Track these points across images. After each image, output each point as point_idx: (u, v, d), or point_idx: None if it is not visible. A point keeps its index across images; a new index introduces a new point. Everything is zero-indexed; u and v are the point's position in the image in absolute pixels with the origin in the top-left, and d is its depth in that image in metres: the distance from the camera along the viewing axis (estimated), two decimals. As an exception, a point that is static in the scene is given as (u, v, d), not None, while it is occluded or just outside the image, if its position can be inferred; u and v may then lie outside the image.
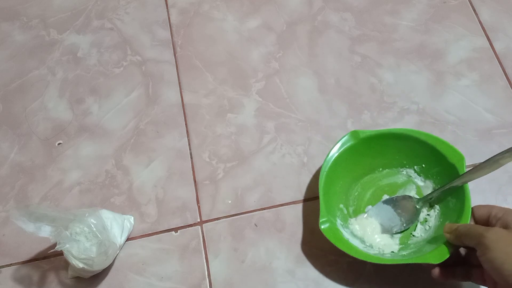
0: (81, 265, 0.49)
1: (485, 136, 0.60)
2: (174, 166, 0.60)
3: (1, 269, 0.55)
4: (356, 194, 0.56)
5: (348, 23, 0.69)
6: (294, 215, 0.56)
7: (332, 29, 0.69)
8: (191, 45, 0.68)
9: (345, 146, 0.54)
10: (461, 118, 0.62)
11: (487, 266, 0.42)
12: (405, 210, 0.54)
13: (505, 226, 0.43)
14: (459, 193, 0.50)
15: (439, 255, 0.47)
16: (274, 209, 0.57)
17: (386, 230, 0.54)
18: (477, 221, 0.48)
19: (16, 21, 0.71)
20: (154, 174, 0.59)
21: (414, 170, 0.56)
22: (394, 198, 0.55)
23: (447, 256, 0.46)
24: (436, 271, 0.48)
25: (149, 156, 0.61)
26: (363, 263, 0.53)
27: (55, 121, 0.63)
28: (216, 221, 0.57)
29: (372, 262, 0.49)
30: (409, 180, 0.56)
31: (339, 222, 0.53)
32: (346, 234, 0.52)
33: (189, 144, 0.61)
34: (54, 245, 0.48)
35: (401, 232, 0.54)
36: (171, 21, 0.70)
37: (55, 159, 0.61)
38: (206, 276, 0.54)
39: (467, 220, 0.48)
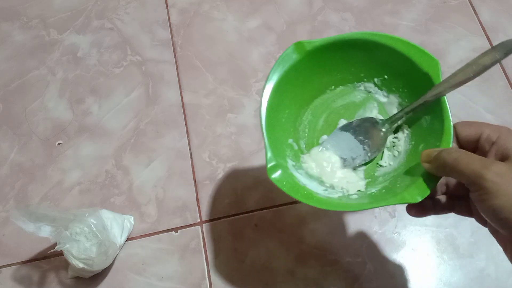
0: (81, 265, 0.49)
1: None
2: (174, 166, 0.60)
3: (1, 269, 0.55)
4: (306, 122, 0.47)
5: (348, 23, 0.69)
6: (294, 215, 0.56)
7: (332, 29, 0.69)
8: (191, 45, 0.68)
9: (289, 63, 0.43)
10: (461, 118, 0.61)
11: (488, 215, 0.33)
12: (369, 135, 0.44)
13: (504, 156, 0.35)
14: (435, 109, 0.41)
15: (418, 191, 0.37)
16: (274, 209, 0.57)
17: (347, 163, 0.44)
18: (462, 144, 0.39)
19: (16, 21, 0.71)
20: (154, 174, 0.59)
21: (374, 83, 0.46)
22: (353, 123, 0.45)
23: (428, 192, 0.37)
24: (413, 208, 0.40)
25: (149, 156, 0.61)
26: (363, 263, 0.53)
27: (55, 121, 0.63)
28: (216, 221, 0.57)
29: (337, 210, 0.40)
30: (369, 96, 0.46)
31: (290, 163, 0.43)
32: (301, 178, 0.43)
33: (189, 144, 0.61)
34: (54, 245, 0.48)
35: (366, 164, 0.45)
36: (171, 21, 0.70)
37: (55, 159, 0.61)
38: (206, 276, 0.54)
39: (449, 142, 0.38)
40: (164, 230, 0.56)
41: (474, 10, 0.69)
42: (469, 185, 0.34)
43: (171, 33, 0.69)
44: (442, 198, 0.41)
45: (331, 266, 0.54)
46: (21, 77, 0.67)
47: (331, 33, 0.68)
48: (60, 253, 0.50)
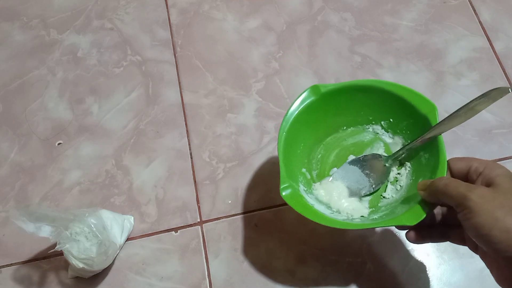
0: (81, 265, 0.49)
1: (485, 136, 0.60)
2: (174, 166, 0.60)
3: (1, 269, 0.55)
4: (319, 156, 0.53)
5: (348, 23, 0.69)
6: (294, 215, 0.56)
7: (332, 29, 0.69)
8: (191, 45, 0.68)
9: (305, 103, 0.49)
10: (461, 118, 0.62)
11: (472, 233, 0.37)
12: (374, 170, 0.50)
13: (488, 183, 0.39)
14: (432, 147, 0.46)
15: (414, 215, 0.42)
16: (274, 209, 0.57)
17: (353, 193, 0.50)
18: (454, 176, 0.43)
19: (16, 21, 0.71)
20: (154, 174, 0.59)
21: (381, 126, 0.52)
22: (361, 158, 0.51)
23: (423, 216, 0.42)
24: (411, 234, 0.44)
25: (149, 156, 0.61)
26: (363, 263, 0.53)
27: (55, 121, 0.63)
28: (216, 221, 0.57)
29: (340, 228, 0.44)
30: (376, 137, 0.53)
31: (302, 188, 0.49)
32: (310, 200, 0.48)
33: (189, 144, 0.61)
34: (54, 245, 0.48)
35: (370, 194, 0.50)
36: (171, 21, 0.70)
37: (55, 159, 0.61)
38: (206, 276, 0.54)
39: (443, 175, 0.43)
40: (164, 230, 0.56)
41: (474, 10, 0.69)
42: (456, 206, 0.38)
43: (171, 33, 0.69)
44: (438, 227, 0.45)
45: (331, 266, 0.54)
46: (21, 77, 0.67)
47: (331, 33, 0.68)
48: (60, 253, 0.50)
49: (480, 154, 0.59)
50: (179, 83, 0.65)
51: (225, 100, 0.64)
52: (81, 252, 0.48)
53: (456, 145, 0.60)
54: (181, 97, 0.64)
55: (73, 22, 0.71)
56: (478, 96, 0.42)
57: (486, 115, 0.62)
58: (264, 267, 0.54)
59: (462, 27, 0.68)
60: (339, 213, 0.49)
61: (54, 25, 0.71)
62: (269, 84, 0.65)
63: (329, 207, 0.49)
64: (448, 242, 0.54)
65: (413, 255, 0.54)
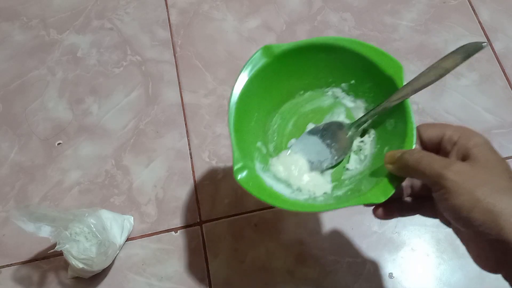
0: (81, 265, 0.49)
1: (485, 136, 0.60)
2: (174, 166, 0.60)
3: (1, 269, 0.55)
4: (275, 126, 0.47)
5: (348, 23, 0.69)
6: (294, 215, 0.56)
7: (332, 29, 0.69)
8: (191, 45, 0.68)
9: (257, 67, 0.44)
10: (461, 118, 0.62)
11: (449, 215, 0.33)
12: (335, 139, 0.45)
13: (465, 155, 0.35)
14: (399, 112, 0.41)
15: (382, 192, 0.37)
16: (273, 209, 0.57)
17: (315, 167, 0.45)
18: (425, 145, 0.38)
19: (16, 21, 0.71)
20: (154, 174, 0.59)
21: (342, 88, 0.46)
22: (320, 127, 0.46)
23: (392, 192, 0.37)
24: (379, 211, 0.40)
25: (149, 156, 0.61)
26: (363, 263, 0.53)
27: (55, 121, 0.63)
28: (216, 221, 0.57)
29: (302, 211, 0.40)
30: (336, 101, 0.47)
31: (258, 165, 0.43)
32: (268, 180, 0.42)
33: (189, 144, 0.61)
34: (54, 245, 0.48)
35: (333, 167, 0.45)
36: (171, 21, 0.70)
37: (55, 159, 0.61)
38: (206, 276, 0.54)
39: (412, 144, 0.38)
40: (164, 230, 0.56)
41: (474, 10, 0.70)
42: (431, 185, 0.34)
43: (171, 33, 0.69)
44: (408, 199, 0.41)
45: (331, 266, 0.54)
46: (21, 77, 0.67)
47: (330, 33, 0.68)
48: (60, 253, 0.50)
49: (480, 154, 0.59)
50: (179, 83, 0.65)
51: (225, 100, 0.64)
52: (80, 252, 0.48)
53: (456, 145, 0.60)
54: (181, 97, 0.64)
55: (72, 22, 0.71)
56: (447, 54, 0.39)
57: (486, 115, 0.62)
58: (264, 267, 0.54)
59: (461, 27, 0.68)
60: (300, 191, 0.43)
61: (54, 25, 0.71)
62: (269, 84, 0.65)
63: (288, 184, 0.44)
64: (447, 241, 0.54)
65: (413, 255, 0.54)
